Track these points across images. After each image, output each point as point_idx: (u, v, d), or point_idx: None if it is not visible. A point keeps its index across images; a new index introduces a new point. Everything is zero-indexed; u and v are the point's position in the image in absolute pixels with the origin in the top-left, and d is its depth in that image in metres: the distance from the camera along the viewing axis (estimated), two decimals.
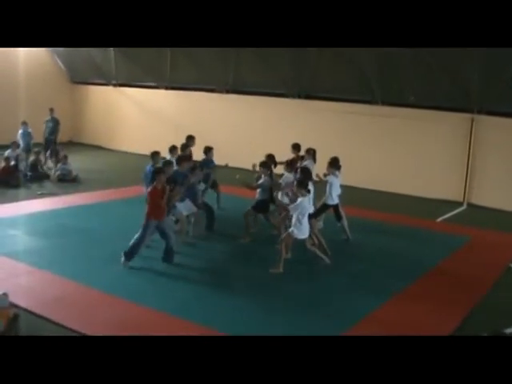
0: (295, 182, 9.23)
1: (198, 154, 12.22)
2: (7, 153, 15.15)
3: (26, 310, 6.99)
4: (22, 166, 15.22)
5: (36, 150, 16.11)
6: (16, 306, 6.79)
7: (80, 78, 22.73)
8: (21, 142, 16.29)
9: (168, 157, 11.18)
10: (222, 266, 9.30)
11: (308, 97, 17.33)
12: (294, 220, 8.89)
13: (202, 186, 10.98)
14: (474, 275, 9.28)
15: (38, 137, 17.09)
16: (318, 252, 9.23)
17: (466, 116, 14.62)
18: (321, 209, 10.62)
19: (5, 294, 6.48)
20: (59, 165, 15.80)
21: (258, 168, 10.51)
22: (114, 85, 21.68)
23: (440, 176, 15.10)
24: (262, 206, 10.40)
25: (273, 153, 10.93)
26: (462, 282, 8.96)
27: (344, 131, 16.45)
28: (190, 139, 12.31)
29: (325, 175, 10.54)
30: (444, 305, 7.92)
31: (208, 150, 12.12)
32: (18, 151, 15.68)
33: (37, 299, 7.45)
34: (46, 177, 15.55)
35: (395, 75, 15.38)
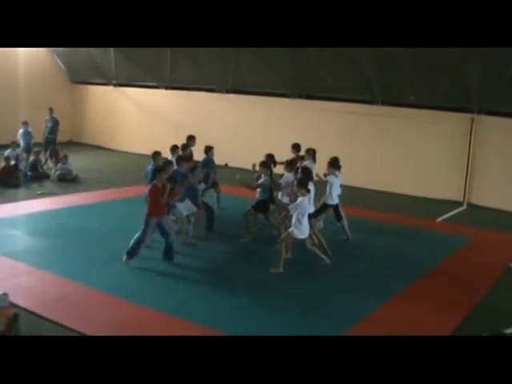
0: (295, 182, 9.24)
1: (198, 154, 12.22)
2: (7, 152, 15.16)
3: (25, 309, 6.99)
4: (22, 165, 15.23)
5: (36, 149, 16.12)
6: (16, 306, 6.79)
7: (80, 77, 22.72)
8: (21, 142, 16.31)
9: (169, 156, 11.20)
10: (222, 265, 9.30)
11: (308, 97, 17.33)
12: (293, 220, 8.89)
13: (201, 186, 10.98)
14: (474, 275, 9.28)
15: (39, 136, 17.12)
16: (319, 252, 9.23)
17: (466, 116, 14.62)
18: (321, 209, 10.62)
19: (5, 294, 6.48)
20: (59, 165, 15.80)
21: (257, 168, 10.51)
22: (114, 85, 21.68)
23: (440, 176, 15.11)
24: (262, 206, 10.40)
25: (273, 153, 10.92)
26: (462, 281, 8.96)
27: (344, 131, 16.45)
28: (191, 139, 12.32)
29: (325, 175, 10.55)
30: (444, 305, 7.92)
31: (208, 150, 12.13)
32: (18, 151, 15.69)
33: (37, 299, 7.45)
34: (46, 177, 15.55)
35: (395, 75, 15.38)
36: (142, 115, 20.96)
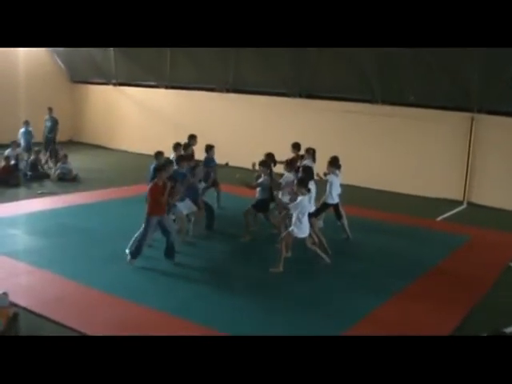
0: (295, 181, 9.24)
1: (199, 154, 12.22)
2: (7, 152, 15.16)
3: (25, 309, 7.00)
4: (22, 165, 15.23)
5: (36, 149, 16.11)
6: (16, 306, 6.80)
7: (80, 77, 22.71)
8: (21, 141, 16.32)
9: (172, 154, 11.22)
10: (222, 265, 9.31)
11: (308, 96, 17.32)
12: (294, 219, 8.89)
13: (202, 185, 10.99)
14: (474, 274, 9.28)
15: (39, 136, 17.13)
16: (319, 251, 9.23)
17: (466, 115, 14.62)
18: (321, 208, 10.62)
19: (5, 294, 6.49)
20: (59, 164, 15.80)
21: (257, 167, 10.51)
22: (114, 84, 21.67)
23: (440, 175, 15.11)
24: (262, 205, 10.41)
25: (273, 152, 10.92)
26: (462, 281, 8.96)
27: (344, 130, 16.45)
28: (192, 138, 12.34)
29: (325, 174, 10.56)
30: (444, 304, 7.93)
31: (209, 149, 12.14)
32: (19, 150, 15.69)
33: (37, 298, 7.45)
34: (46, 176, 15.54)
35: (395, 75, 15.37)
36: (142, 115, 20.96)
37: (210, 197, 11.86)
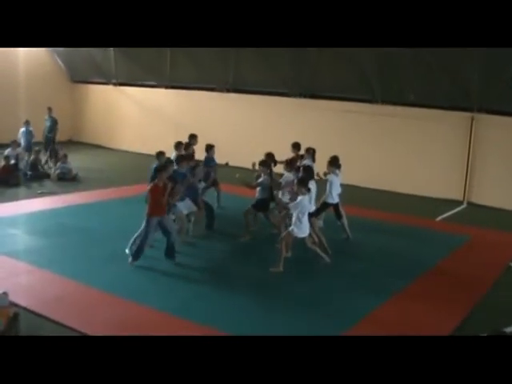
0: (295, 181, 9.24)
1: (199, 153, 12.23)
2: (7, 152, 15.16)
3: (26, 309, 7.00)
4: (22, 164, 15.23)
5: (36, 148, 16.11)
6: (16, 305, 6.80)
7: (80, 77, 22.71)
8: (22, 141, 16.32)
9: (174, 153, 11.25)
10: (222, 265, 9.31)
11: (308, 96, 17.33)
12: (294, 219, 8.89)
13: (202, 185, 10.99)
14: (474, 274, 9.28)
15: (39, 136, 17.13)
16: (319, 251, 9.24)
17: (466, 115, 14.62)
18: (321, 208, 10.62)
19: (5, 293, 6.49)
20: (59, 164, 15.79)
21: (257, 167, 10.51)
22: (114, 84, 21.67)
23: (440, 175, 15.11)
24: (262, 205, 10.41)
25: (273, 151, 10.93)
26: (462, 281, 8.96)
27: (344, 130, 16.45)
28: (193, 138, 12.36)
29: (325, 174, 10.56)
30: (444, 304, 7.93)
31: (209, 148, 12.15)
32: (19, 150, 15.69)
33: (37, 298, 7.46)
34: (46, 176, 15.54)
35: (395, 75, 15.38)
36: (142, 114, 20.95)
37: (210, 196, 11.87)
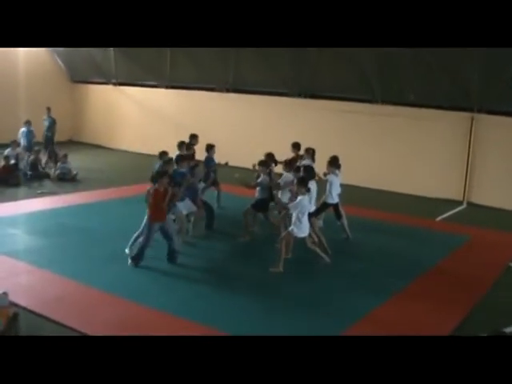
0: (295, 181, 9.25)
1: (199, 153, 12.24)
2: (7, 152, 15.16)
3: (25, 308, 6.99)
4: (22, 164, 15.23)
5: (36, 148, 16.12)
6: (16, 305, 6.80)
7: (80, 76, 22.72)
8: (22, 141, 16.32)
9: (176, 152, 11.26)
10: (222, 265, 9.31)
11: (308, 96, 17.33)
12: (293, 218, 8.89)
13: (201, 185, 10.99)
14: (474, 274, 9.28)
15: (39, 136, 17.13)
16: (319, 251, 9.24)
17: (466, 115, 14.63)
18: (321, 208, 10.63)
19: (5, 293, 6.48)
20: (59, 164, 15.79)
21: (257, 167, 10.51)
22: (114, 84, 21.67)
23: (440, 175, 15.11)
24: (262, 205, 10.41)
25: (273, 151, 10.94)
26: (462, 281, 8.96)
27: (344, 130, 16.46)
28: (194, 138, 12.39)
29: (325, 174, 10.56)
30: (444, 304, 7.93)
31: (210, 148, 12.15)
32: (19, 150, 15.69)
33: (37, 298, 7.45)
34: (46, 176, 15.54)
35: (395, 75, 15.38)
36: (142, 114, 20.96)
37: (210, 196, 11.87)
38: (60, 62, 22.43)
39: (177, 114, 19.79)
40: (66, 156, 15.91)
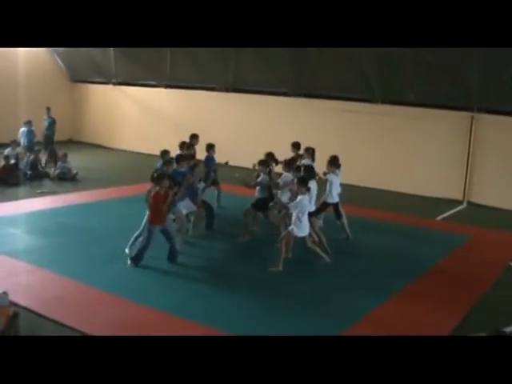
0: (295, 180, 9.25)
1: (199, 153, 12.24)
2: (7, 151, 15.16)
3: (25, 308, 7.00)
4: (22, 164, 15.23)
5: (36, 148, 16.12)
6: (16, 305, 6.80)
7: (80, 76, 22.69)
8: (22, 141, 16.30)
9: (177, 152, 11.25)
10: (222, 264, 9.31)
11: (308, 95, 17.32)
12: (293, 218, 8.90)
13: (201, 185, 10.99)
14: (474, 274, 9.28)
15: (39, 135, 17.13)
16: (319, 250, 9.24)
17: (466, 114, 14.61)
18: (321, 207, 10.63)
19: (5, 293, 6.48)
20: (59, 163, 15.79)
21: (257, 166, 10.50)
22: (114, 83, 21.65)
23: (440, 174, 15.11)
24: (262, 205, 10.40)
25: (273, 151, 10.94)
26: (462, 280, 8.97)
27: (344, 130, 16.45)
28: (194, 138, 12.38)
29: (324, 174, 10.56)
30: (444, 304, 7.93)
31: (210, 147, 12.15)
32: (19, 149, 15.70)
33: (37, 298, 7.46)
34: (46, 175, 15.54)
35: (395, 75, 15.37)
36: (142, 114, 20.94)
37: (210, 196, 11.87)
38: (60, 62, 22.41)
39: (177, 113, 19.78)
40: (65, 155, 15.90)
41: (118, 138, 21.50)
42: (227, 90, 18.81)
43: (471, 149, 14.64)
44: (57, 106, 18.61)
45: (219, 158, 12.27)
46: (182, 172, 10.05)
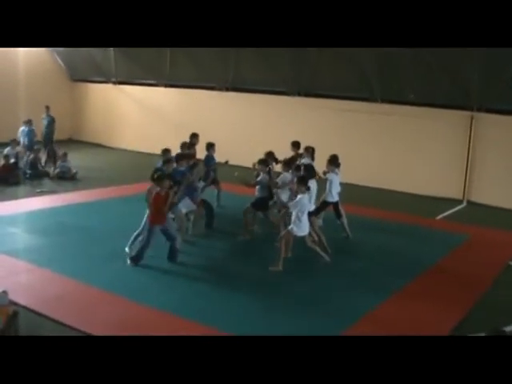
0: (295, 179, 9.25)
1: (200, 152, 12.25)
2: (6, 150, 15.16)
3: (25, 307, 7.01)
4: (22, 163, 15.23)
5: (36, 147, 16.12)
6: (16, 304, 6.81)
7: (80, 75, 22.68)
8: (22, 140, 16.30)
9: (178, 151, 11.26)
10: (222, 263, 9.32)
11: (308, 94, 17.32)
12: (293, 217, 8.90)
13: (201, 184, 11.00)
14: (474, 273, 9.29)
15: (39, 134, 17.12)
16: (319, 250, 9.24)
17: (466, 114, 14.62)
18: (321, 206, 10.63)
19: (4, 292, 6.49)
20: (59, 162, 15.80)
21: (256, 166, 10.51)
22: (114, 82, 21.65)
23: (439, 174, 15.11)
24: (261, 204, 10.41)
25: (273, 150, 10.94)
26: (462, 280, 8.98)
27: (343, 129, 16.45)
28: (195, 137, 12.39)
29: (324, 173, 10.56)
30: (443, 303, 7.94)
31: (210, 146, 12.15)
32: (18, 148, 15.69)
33: (36, 297, 7.47)
34: (46, 174, 15.54)
35: (395, 75, 15.37)
36: (142, 113, 20.94)
37: (209, 195, 11.87)
38: (60, 61, 22.40)
39: (176, 112, 19.78)
40: (65, 155, 15.90)
41: (118, 137, 21.50)
42: (227, 90, 18.81)
43: (471, 148, 14.64)
44: (57, 105, 18.60)
45: (219, 157, 12.27)
46: (181, 171, 10.06)
